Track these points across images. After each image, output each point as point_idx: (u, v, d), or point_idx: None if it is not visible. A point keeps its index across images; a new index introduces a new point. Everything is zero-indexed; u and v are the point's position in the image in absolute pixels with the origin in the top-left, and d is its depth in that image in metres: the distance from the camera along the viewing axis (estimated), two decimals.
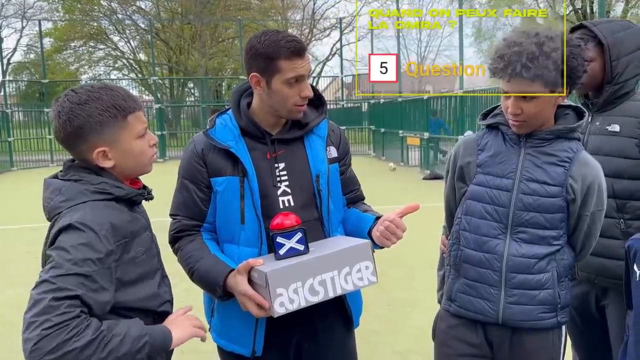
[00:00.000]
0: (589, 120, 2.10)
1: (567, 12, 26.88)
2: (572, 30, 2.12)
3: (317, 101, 1.84)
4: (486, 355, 1.81)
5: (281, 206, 1.71)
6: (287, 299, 1.50)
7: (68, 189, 1.36)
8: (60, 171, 1.44)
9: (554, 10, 26.74)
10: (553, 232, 1.71)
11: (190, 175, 1.74)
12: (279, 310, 1.50)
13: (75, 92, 1.39)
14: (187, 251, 1.71)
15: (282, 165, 1.74)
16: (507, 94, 1.67)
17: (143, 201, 1.55)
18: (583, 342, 2.27)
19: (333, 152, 1.83)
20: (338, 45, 27.85)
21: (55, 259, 1.25)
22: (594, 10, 23.80)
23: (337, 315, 1.82)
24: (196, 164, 1.73)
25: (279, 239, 1.58)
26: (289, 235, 1.58)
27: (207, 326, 1.84)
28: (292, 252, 1.58)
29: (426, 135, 13.48)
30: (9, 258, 6.39)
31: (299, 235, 1.58)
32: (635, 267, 1.76)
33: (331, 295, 1.56)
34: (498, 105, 1.84)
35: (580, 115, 1.78)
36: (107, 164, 1.40)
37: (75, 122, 1.35)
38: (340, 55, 26.17)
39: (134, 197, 1.44)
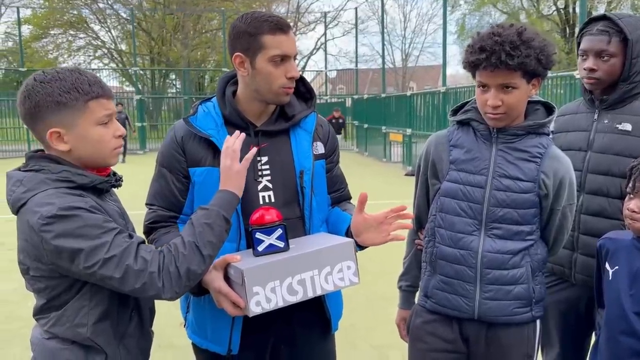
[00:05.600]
0: (595, 117, 2.06)
1: (550, 12, 27.20)
2: (593, 20, 2.05)
3: (307, 94, 1.78)
4: (460, 350, 1.82)
5: (261, 202, 1.66)
6: (264, 298, 1.45)
7: (29, 179, 1.34)
8: (23, 163, 1.41)
9: (537, 9, 27.02)
10: (526, 227, 1.73)
11: (168, 164, 1.68)
12: (254, 309, 1.45)
13: (44, 72, 1.38)
14: (161, 243, 1.62)
15: (265, 158, 1.68)
16: (486, 87, 1.67)
17: (116, 190, 1.53)
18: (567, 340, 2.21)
19: (320, 148, 1.76)
20: (322, 39, 27.84)
21: (85, 246, 1.27)
22: (576, 10, 24.08)
23: (316, 318, 1.77)
24: (175, 152, 1.67)
25: (258, 235, 1.53)
26: (268, 231, 1.53)
27: (184, 321, 1.83)
28: (272, 249, 1.53)
29: (409, 131, 13.53)
30: None
31: (279, 232, 1.53)
32: (607, 266, 1.78)
33: (310, 295, 1.52)
34: (468, 101, 1.85)
35: (549, 110, 1.79)
36: (61, 147, 1.37)
37: (34, 100, 1.34)
38: (325, 50, 26.18)
39: (99, 185, 1.41)
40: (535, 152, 1.72)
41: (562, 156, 1.76)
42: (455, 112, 1.87)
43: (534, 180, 1.71)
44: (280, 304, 1.48)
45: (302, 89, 1.79)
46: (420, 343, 1.87)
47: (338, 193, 1.88)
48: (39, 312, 1.41)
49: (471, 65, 1.67)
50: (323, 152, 1.78)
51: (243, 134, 1.56)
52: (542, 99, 1.83)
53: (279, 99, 1.65)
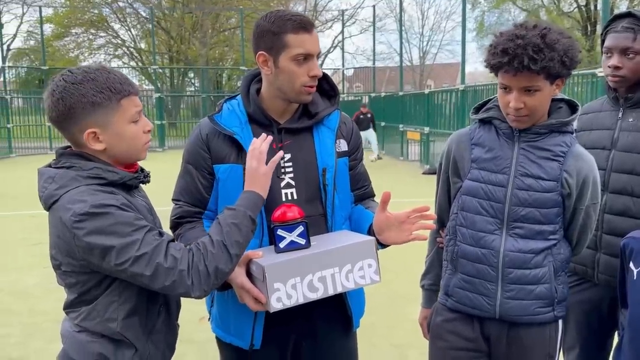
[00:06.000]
0: (619, 115, 2.03)
1: (571, 9, 26.81)
2: (618, 17, 2.02)
3: (330, 91, 1.79)
4: (481, 349, 1.81)
5: (283, 199, 1.67)
6: (285, 294, 1.47)
7: (61, 176, 1.36)
8: (53, 159, 1.43)
9: (558, 6, 26.65)
10: (549, 226, 1.71)
11: (193, 161, 1.71)
12: (275, 305, 1.47)
13: (72, 72, 1.38)
14: (187, 238, 1.66)
15: (287, 156, 1.69)
16: (508, 88, 1.64)
17: (143, 186, 1.55)
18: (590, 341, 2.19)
19: (343, 145, 1.76)
20: (340, 37, 27.80)
21: (116, 243, 1.28)
22: (598, 8, 23.71)
23: (337, 315, 1.77)
24: (200, 149, 1.69)
25: (280, 232, 1.54)
26: (290, 228, 1.54)
27: (208, 315, 1.84)
28: (293, 246, 1.54)
29: (426, 129, 13.45)
30: (5, 244, 6.38)
31: (300, 229, 1.54)
32: (631, 266, 1.75)
33: (331, 292, 1.52)
34: (490, 99, 1.82)
35: (573, 108, 1.77)
36: (97, 146, 1.39)
37: (68, 102, 1.34)
38: (342, 48, 26.13)
39: (129, 181, 1.43)
40: (558, 150, 1.70)
41: (585, 155, 1.73)
42: (477, 110, 1.85)
43: (556, 179, 1.69)
44: (301, 301, 1.49)
45: (326, 87, 1.79)
46: (440, 341, 1.86)
47: (361, 190, 1.87)
48: (69, 306, 1.43)
49: (493, 68, 1.65)
50: (346, 149, 1.78)
51: (270, 137, 1.57)
52: (566, 97, 1.80)
53: (301, 97, 1.66)
